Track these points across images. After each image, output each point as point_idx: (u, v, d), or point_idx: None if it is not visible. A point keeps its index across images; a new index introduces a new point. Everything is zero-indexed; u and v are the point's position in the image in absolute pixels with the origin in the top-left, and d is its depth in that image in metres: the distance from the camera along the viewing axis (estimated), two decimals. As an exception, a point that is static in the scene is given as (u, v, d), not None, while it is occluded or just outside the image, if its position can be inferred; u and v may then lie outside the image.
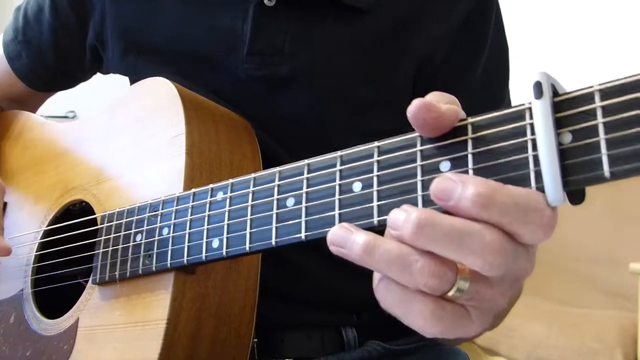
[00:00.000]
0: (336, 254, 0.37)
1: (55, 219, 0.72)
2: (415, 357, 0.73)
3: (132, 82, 0.78)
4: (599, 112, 0.32)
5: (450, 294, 0.35)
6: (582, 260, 2.45)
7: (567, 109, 0.33)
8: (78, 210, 0.71)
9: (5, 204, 0.80)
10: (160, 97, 0.63)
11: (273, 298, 0.61)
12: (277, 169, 0.47)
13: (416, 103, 0.36)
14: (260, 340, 0.64)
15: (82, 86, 0.92)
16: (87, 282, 0.64)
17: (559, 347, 2.00)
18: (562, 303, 2.31)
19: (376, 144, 0.41)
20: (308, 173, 0.44)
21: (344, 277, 0.69)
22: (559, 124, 0.33)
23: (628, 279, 2.05)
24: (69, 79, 0.88)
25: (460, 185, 0.33)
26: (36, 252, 0.73)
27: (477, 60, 0.72)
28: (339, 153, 0.43)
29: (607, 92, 0.32)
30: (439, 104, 0.37)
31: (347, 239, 0.36)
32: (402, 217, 0.34)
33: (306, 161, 0.45)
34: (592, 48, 2.72)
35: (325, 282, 0.69)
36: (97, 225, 0.63)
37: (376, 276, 0.38)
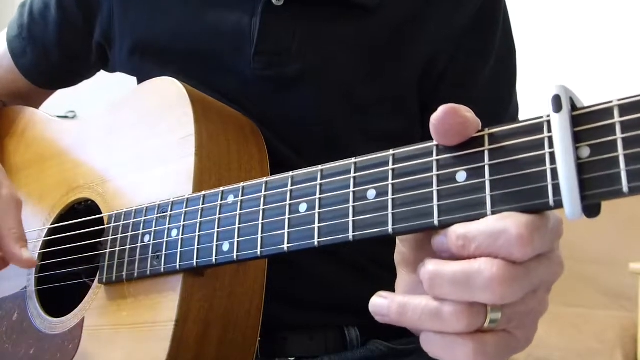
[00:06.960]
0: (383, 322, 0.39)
1: (60, 217, 0.72)
2: (418, 357, 0.73)
3: (139, 81, 0.77)
4: (618, 127, 0.32)
5: (485, 325, 0.35)
6: (582, 261, 2.45)
7: (585, 123, 0.33)
8: (84, 208, 0.71)
9: None
10: (168, 96, 0.63)
11: (275, 298, 0.61)
12: (290, 173, 0.46)
13: (443, 108, 0.37)
14: (262, 340, 0.63)
15: (82, 86, 0.91)
16: (92, 281, 0.64)
17: (559, 347, 2.01)
18: (562, 303, 2.31)
19: (391, 151, 0.41)
20: (321, 179, 0.44)
21: (346, 277, 0.69)
22: (578, 138, 0.33)
23: (628, 279, 2.06)
24: (73, 76, 0.88)
25: (442, 235, 0.37)
26: (40, 250, 0.72)
27: (484, 62, 0.72)
28: (352, 160, 0.42)
29: (626, 108, 0.32)
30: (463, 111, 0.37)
31: (383, 307, 0.38)
32: (421, 272, 0.36)
33: (319, 167, 0.44)
34: (607, 60, 2.71)
35: (328, 283, 0.69)
36: (103, 224, 0.63)
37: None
